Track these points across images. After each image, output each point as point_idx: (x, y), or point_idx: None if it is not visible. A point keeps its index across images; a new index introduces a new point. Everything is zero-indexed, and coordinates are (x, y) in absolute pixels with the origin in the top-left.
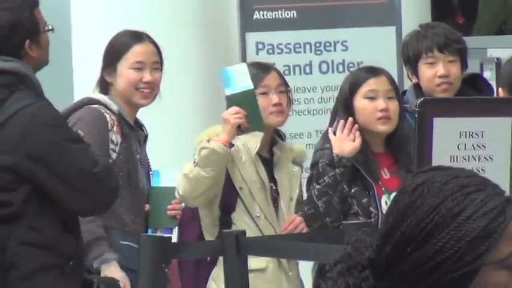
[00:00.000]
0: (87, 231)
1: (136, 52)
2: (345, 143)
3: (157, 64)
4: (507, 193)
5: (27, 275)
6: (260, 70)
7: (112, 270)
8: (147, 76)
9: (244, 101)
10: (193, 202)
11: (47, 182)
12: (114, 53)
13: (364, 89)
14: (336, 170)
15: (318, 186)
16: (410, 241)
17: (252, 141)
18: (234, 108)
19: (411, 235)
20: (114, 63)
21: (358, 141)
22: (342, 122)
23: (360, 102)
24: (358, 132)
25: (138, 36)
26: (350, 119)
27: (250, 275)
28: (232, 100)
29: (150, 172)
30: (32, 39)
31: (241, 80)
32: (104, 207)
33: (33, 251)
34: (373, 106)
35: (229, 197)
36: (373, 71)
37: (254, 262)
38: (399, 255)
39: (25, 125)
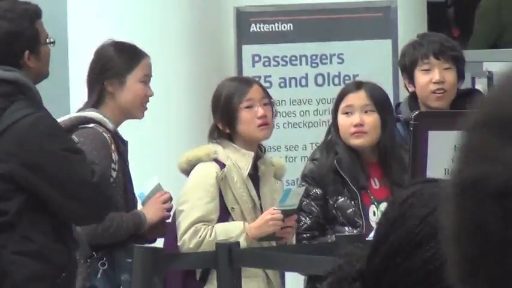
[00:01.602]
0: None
1: (146, 65)
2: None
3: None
4: None
5: (20, 284)
6: (243, 84)
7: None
8: (150, 90)
9: (286, 215)
10: None
11: (45, 191)
12: (124, 64)
13: (343, 104)
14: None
15: (304, 203)
16: (399, 252)
17: (243, 161)
18: (279, 217)
19: (400, 246)
20: (124, 74)
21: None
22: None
23: (340, 117)
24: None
25: (142, 50)
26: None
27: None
28: (284, 213)
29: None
30: (31, 50)
31: (293, 199)
32: (101, 216)
33: (26, 261)
34: (349, 121)
35: (220, 216)
36: (354, 86)
37: (245, 283)
38: (388, 266)
39: (23, 135)
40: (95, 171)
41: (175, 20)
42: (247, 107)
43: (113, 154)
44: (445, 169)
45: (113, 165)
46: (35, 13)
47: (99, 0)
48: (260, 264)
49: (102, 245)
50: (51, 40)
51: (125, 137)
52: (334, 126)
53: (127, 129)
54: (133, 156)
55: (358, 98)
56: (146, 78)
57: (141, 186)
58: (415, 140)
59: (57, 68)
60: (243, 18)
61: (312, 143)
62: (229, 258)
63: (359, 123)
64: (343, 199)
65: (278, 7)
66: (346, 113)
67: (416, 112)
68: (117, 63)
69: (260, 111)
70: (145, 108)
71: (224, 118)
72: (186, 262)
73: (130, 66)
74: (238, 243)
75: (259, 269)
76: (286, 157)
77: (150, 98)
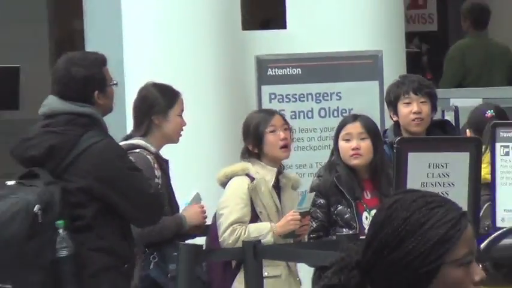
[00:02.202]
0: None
1: (182, 102)
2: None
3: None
4: (464, 209)
5: (94, 274)
6: (267, 114)
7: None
8: (184, 121)
9: (303, 216)
10: None
11: (115, 200)
12: (166, 102)
13: (343, 132)
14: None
15: (311, 210)
16: (386, 246)
17: (268, 175)
18: (298, 218)
19: (387, 241)
20: (167, 110)
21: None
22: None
23: (340, 143)
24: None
25: (177, 90)
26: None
27: (268, 280)
28: (301, 214)
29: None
30: (100, 90)
31: (307, 203)
32: (155, 220)
33: (99, 255)
34: (348, 146)
35: (251, 218)
36: (351, 118)
37: (271, 270)
38: (378, 257)
39: (96, 156)
40: (151, 185)
41: (210, 67)
42: (271, 132)
43: (156, 171)
44: (422, 182)
45: (156, 180)
46: (102, 61)
47: (151, 50)
48: (278, 257)
49: (152, 242)
50: (114, 82)
51: (176, 159)
52: (335, 150)
53: (177, 152)
54: (179, 174)
55: (355, 128)
56: (182, 112)
57: (185, 196)
58: (398, 159)
59: (116, 104)
60: (262, 64)
61: (317, 163)
62: (254, 252)
63: (356, 147)
64: (341, 207)
65: (289, 55)
66: (346, 140)
67: (399, 138)
68: (161, 102)
69: (282, 134)
70: (181, 135)
71: (253, 141)
72: (220, 255)
73: (171, 103)
74: (260, 241)
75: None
76: (297, 174)
77: (192, 128)
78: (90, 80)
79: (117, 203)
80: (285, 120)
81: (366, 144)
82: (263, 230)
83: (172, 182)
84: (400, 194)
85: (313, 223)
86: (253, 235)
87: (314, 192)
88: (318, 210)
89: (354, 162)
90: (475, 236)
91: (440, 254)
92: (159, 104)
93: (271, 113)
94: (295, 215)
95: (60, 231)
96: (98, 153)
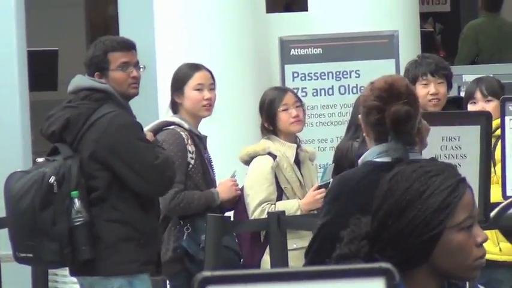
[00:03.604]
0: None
1: (198, 77)
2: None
3: (212, 85)
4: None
5: (111, 245)
6: (280, 91)
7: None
8: (207, 94)
9: (326, 187)
10: None
11: (119, 169)
12: (179, 80)
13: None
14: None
15: None
16: (390, 217)
17: (289, 152)
18: (322, 192)
19: (390, 212)
20: (182, 87)
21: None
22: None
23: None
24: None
25: (195, 66)
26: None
27: (294, 253)
28: (322, 186)
29: (212, 164)
30: (101, 73)
31: (328, 175)
32: (162, 191)
33: (115, 226)
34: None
35: (277, 194)
36: None
37: (300, 242)
38: (383, 227)
39: (104, 125)
40: (159, 157)
41: (236, 48)
42: (284, 110)
43: (189, 147)
44: (436, 154)
45: (190, 155)
46: (112, 46)
47: (180, 34)
48: (301, 227)
49: (187, 215)
50: (141, 66)
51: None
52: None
53: (207, 130)
54: (213, 148)
55: None
56: (200, 86)
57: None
58: None
59: (147, 88)
60: (285, 45)
61: (337, 137)
62: (278, 223)
63: None
64: None
65: (310, 36)
66: None
67: None
68: (176, 80)
69: (293, 112)
70: (208, 108)
71: (267, 119)
72: (245, 227)
73: (186, 79)
74: (284, 212)
75: (306, 231)
76: (318, 147)
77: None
78: (91, 62)
79: (121, 172)
80: (297, 97)
81: None
82: (291, 208)
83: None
84: (402, 165)
85: None
86: None
87: (333, 164)
88: None
89: None
90: (474, 200)
91: (441, 220)
92: (175, 82)
93: (283, 90)
94: (322, 191)
95: (76, 201)
96: (105, 123)
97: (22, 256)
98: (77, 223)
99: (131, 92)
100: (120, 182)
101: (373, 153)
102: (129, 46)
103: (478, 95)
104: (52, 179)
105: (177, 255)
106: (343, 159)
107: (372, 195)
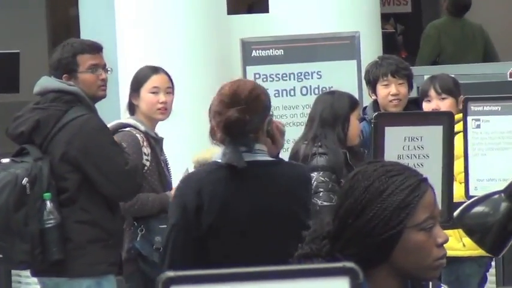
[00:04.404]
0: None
1: (154, 80)
2: None
3: (170, 89)
4: (439, 178)
5: (80, 246)
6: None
7: None
8: (162, 98)
9: None
10: None
11: (90, 171)
12: (137, 82)
13: (356, 112)
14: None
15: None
16: (350, 215)
17: None
18: None
19: (351, 210)
20: (138, 89)
21: None
22: None
23: (354, 121)
24: None
25: (154, 69)
26: None
27: None
28: None
29: (168, 166)
30: (69, 75)
31: None
32: (129, 196)
33: (85, 228)
34: (359, 126)
35: None
36: (357, 100)
37: None
38: (344, 226)
39: (76, 128)
40: (128, 162)
41: (198, 49)
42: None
43: (145, 149)
44: (398, 155)
45: (145, 157)
46: (81, 49)
47: (142, 35)
48: None
49: (141, 217)
50: (108, 69)
51: (166, 138)
52: (342, 126)
53: (166, 131)
54: (171, 149)
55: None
56: (156, 89)
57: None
58: (376, 134)
59: (109, 88)
60: (247, 46)
61: (299, 136)
62: None
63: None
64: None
65: (272, 38)
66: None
67: (376, 113)
68: (134, 82)
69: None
70: (163, 112)
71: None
72: None
73: (142, 81)
74: None
75: None
76: None
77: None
78: (59, 64)
79: (91, 174)
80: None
81: None
82: None
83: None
84: (363, 165)
85: (335, 196)
86: None
87: None
88: (335, 184)
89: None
90: (436, 201)
91: (401, 219)
92: (132, 84)
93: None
94: None
95: (47, 203)
96: (78, 125)
97: None
98: (49, 225)
99: (100, 94)
100: (90, 184)
101: (219, 155)
102: (97, 48)
103: (432, 92)
104: (25, 181)
105: (131, 256)
106: (295, 159)
107: (211, 194)
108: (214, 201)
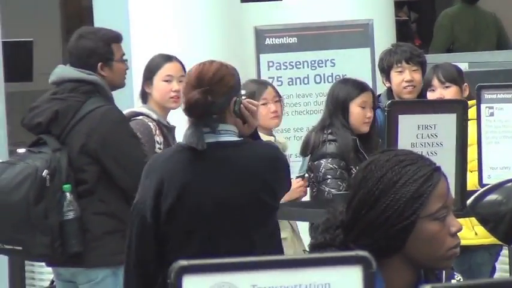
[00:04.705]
0: None
1: (168, 68)
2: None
3: (183, 77)
4: (452, 166)
5: (97, 237)
6: (260, 85)
7: None
8: (175, 86)
9: (303, 178)
10: None
11: (108, 163)
12: (150, 71)
13: (359, 100)
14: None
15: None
16: (364, 205)
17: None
18: (304, 185)
19: (364, 201)
20: (151, 77)
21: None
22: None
23: (355, 109)
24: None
25: (167, 57)
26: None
27: None
28: (299, 176)
29: None
30: (104, 63)
31: (305, 165)
32: None
33: (102, 219)
34: (364, 113)
35: None
36: (364, 87)
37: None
38: (357, 216)
39: (96, 120)
40: (147, 155)
41: (212, 37)
42: (263, 104)
43: (157, 137)
44: (411, 143)
45: (158, 146)
46: (113, 37)
47: (155, 24)
48: (281, 217)
49: None
50: (124, 59)
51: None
52: (342, 114)
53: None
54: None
55: (369, 97)
56: (169, 78)
57: None
58: (389, 122)
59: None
60: (260, 34)
61: (313, 126)
62: None
63: (371, 116)
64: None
65: (285, 25)
66: (362, 107)
67: (390, 101)
68: (148, 69)
69: (272, 107)
70: (176, 101)
71: None
72: None
73: (155, 70)
74: None
75: (287, 221)
76: (294, 136)
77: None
78: (95, 52)
79: (109, 168)
80: (276, 92)
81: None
82: None
83: None
84: (376, 154)
85: (344, 184)
86: None
87: (309, 155)
88: (343, 172)
89: (367, 129)
90: (449, 190)
91: (414, 209)
92: (146, 72)
93: (264, 85)
94: (301, 182)
95: (67, 195)
96: (98, 117)
97: (7, 248)
98: (68, 217)
99: (124, 83)
100: (108, 176)
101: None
102: (121, 38)
103: (436, 82)
104: (45, 173)
105: None
106: (307, 147)
107: (170, 177)
108: (172, 185)
